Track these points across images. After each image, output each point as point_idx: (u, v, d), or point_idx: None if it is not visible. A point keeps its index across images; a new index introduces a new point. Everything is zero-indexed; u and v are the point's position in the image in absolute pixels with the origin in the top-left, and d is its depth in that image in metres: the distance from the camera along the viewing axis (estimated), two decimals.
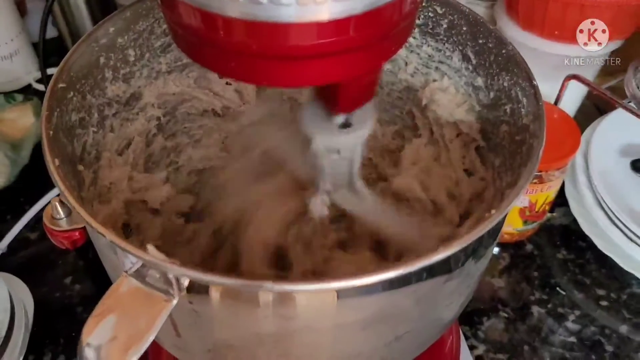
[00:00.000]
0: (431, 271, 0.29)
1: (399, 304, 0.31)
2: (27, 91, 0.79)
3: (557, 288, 0.57)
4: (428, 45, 0.45)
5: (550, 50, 0.59)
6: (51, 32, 0.80)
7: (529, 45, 0.59)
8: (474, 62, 0.42)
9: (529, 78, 0.36)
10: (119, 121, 0.43)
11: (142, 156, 0.46)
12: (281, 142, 0.45)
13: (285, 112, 0.53)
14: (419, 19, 0.44)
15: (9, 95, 0.71)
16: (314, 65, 0.26)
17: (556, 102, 0.57)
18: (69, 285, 0.57)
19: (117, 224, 0.41)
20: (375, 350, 0.34)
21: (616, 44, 0.59)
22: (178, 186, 0.51)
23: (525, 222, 0.57)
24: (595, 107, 0.73)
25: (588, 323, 0.55)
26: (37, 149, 0.67)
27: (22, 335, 0.50)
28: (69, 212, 0.45)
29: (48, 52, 0.63)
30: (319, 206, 0.40)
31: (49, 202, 0.51)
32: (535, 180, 0.53)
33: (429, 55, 0.45)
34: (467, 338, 0.53)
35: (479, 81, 0.42)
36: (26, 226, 0.61)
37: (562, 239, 0.62)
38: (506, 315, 0.55)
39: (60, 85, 0.35)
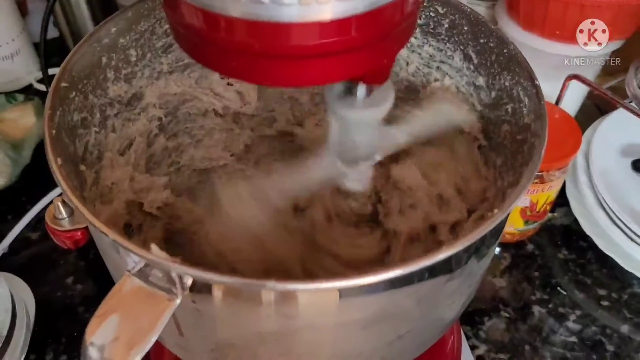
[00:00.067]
0: (433, 271, 0.29)
1: (401, 303, 0.31)
2: (28, 91, 0.79)
3: (558, 288, 0.57)
4: (429, 45, 0.45)
5: (550, 50, 0.59)
6: (52, 33, 0.80)
7: (530, 45, 0.59)
8: (475, 61, 0.42)
9: (531, 77, 0.36)
10: (121, 121, 0.43)
11: (143, 156, 0.46)
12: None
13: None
14: (420, 19, 0.44)
15: (10, 95, 0.71)
16: (315, 65, 0.26)
17: (557, 102, 0.57)
18: (70, 285, 0.57)
19: (119, 224, 0.41)
20: (377, 350, 0.34)
21: (617, 44, 0.59)
22: (180, 187, 0.51)
23: (526, 222, 0.58)
24: (596, 107, 0.73)
25: (589, 323, 0.55)
26: (38, 149, 0.67)
27: (24, 335, 0.50)
28: (71, 212, 0.45)
29: (49, 52, 0.63)
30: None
31: (51, 202, 0.51)
32: (536, 180, 0.53)
33: (430, 55, 0.45)
34: (468, 338, 0.53)
35: (481, 81, 0.42)
36: (27, 226, 0.61)
37: (563, 238, 0.62)
38: (507, 315, 0.55)
39: (63, 85, 0.35)
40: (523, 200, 0.55)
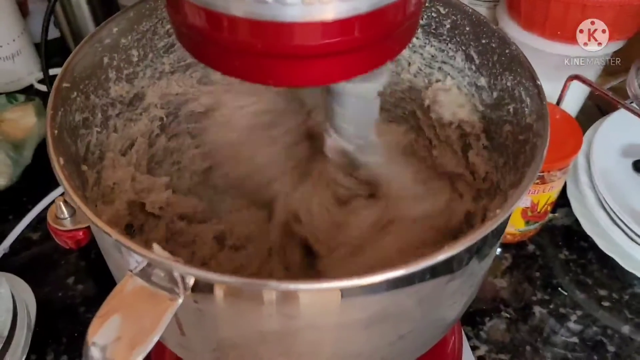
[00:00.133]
0: (435, 271, 0.29)
1: (403, 303, 0.31)
2: (29, 92, 0.79)
3: (559, 288, 0.57)
4: (431, 46, 0.45)
5: (551, 51, 0.59)
6: (53, 33, 0.80)
7: (530, 45, 0.59)
8: (477, 62, 0.42)
9: (533, 78, 0.36)
10: (123, 121, 0.43)
11: (145, 157, 0.46)
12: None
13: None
14: (422, 19, 0.44)
15: (10, 95, 0.71)
16: (318, 65, 0.26)
17: (558, 103, 0.57)
18: (71, 285, 0.57)
19: (120, 225, 0.41)
20: (378, 350, 0.34)
21: (618, 45, 0.59)
22: (181, 187, 0.51)
23: (527, 223, 0.58)
24: (597, 108, 0.73)
25: (590, 323, 0.55)
26: (39, 149, 0.67)
27: (25, 335, 0.50)
28: (73, 212, 0.45)
29: (50, 52, 0.63)
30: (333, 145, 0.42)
31: (52, 202, 0.51)
32: (537, 181, 0.53)
33: (432, 56, 0.45)
34: (469, 338, 0.53)
35: (482, 81, 0.42)
36: (28, 226, 0.62)
37: (564, 239, 0.62)
38: (508, 315, 0.55)
39: (65, 85, 0.35)
40: (524, 201, 0.55)
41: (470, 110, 0.44)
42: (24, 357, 0.50)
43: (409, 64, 0.47)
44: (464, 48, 0.43)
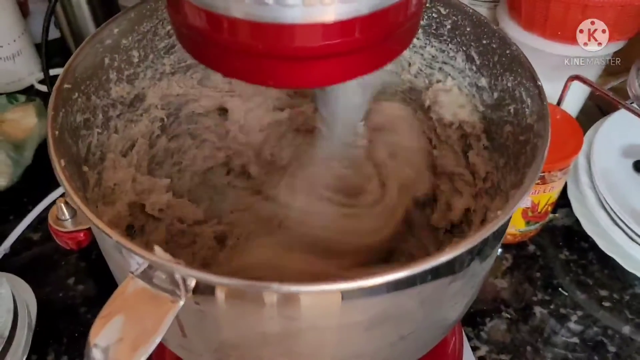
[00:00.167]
0: (436, 272, 0.29)
1: (404, 304, 0.31)
2: (30, 92, 0.79)
3: (560, 289, 0.57)
4: (432, 46, 0.45)
5: (552, 51, 0.59)
6: (53, 33, 0.80)
7: (531, 45, 0.59)
8: (477, 62, 0.42)
9: (533, 78, 0.36)
10: (123, 122, 0.43)
11: (145, 158, 0.46)
12: None
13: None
14: (423, 20, 0.44)
15: (11, 96, 0.71)
16: (318, 67, 0.26)
17: (559, 103, 0.57)
18: (72, 286, 0.57)
19: (121, 226, 0.41)
20: (379, 351, 0.34)
21: (618, 45, 0.59)
22: (181, 188, 0.51)
23: (527, 223, 0.58)
24: (597, 108, 0.73)
25: (590, 324, 0.55)
26: (40, 149, 0.67)
27: (25, 336, 0.50)
28: (73, 213, 0.45)
29: (50, 53, 0.63)
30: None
31: (52, 202, 0.51)
32: (538, 181, 0.53)
33: (433, 56, 0.45)
34: (469, 339, 0.53)
35: (483, 81, 0.42)
36: (29, 227, 0.62)
37: (564, 239, 0.62)
38: (509, 316, 0.55)
39: (66, 86, 0.35)
40: (524, 202, 0.55)
41: (470, 110, 0.44)
42: (25, 357, 0.50)
43: (410, 65, 0.47)
44: (464, 48, 0.43)
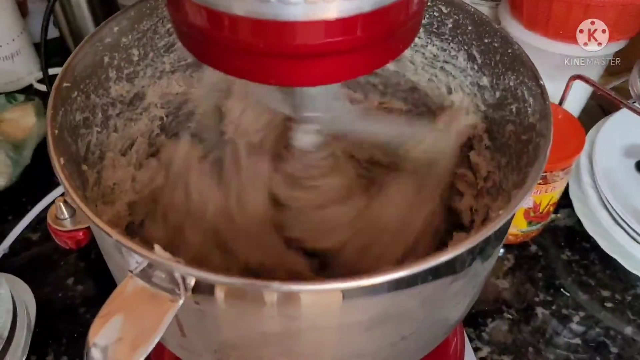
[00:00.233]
0: (437, 272, 0.29)
1: (405, 304, 0.31)
2: (29, 91, 0.79)
3: (562, 289, 0.57)
4: (433, 45, 0.45)
5: (554, 50, 0.59)
6: (52, 33, 0.80)
7: (533, 45, 0.59)
8: (479, 61, 0.42)
9: (535, 77, 0.36)
10: (123, 121, 0.43)
11: (144, 157, 0.46)
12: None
13: None
14: (424, 19, 0.44)
15: (10, 95, 0.71)
16: (320, 65, 0.26)
17: (560, 103, 0.57)
18: (71, 286, 0.57)
19: (121, 225, 0.41)
20: (380, 351, 0.34)
21: (619, 45, 0.59)
22: None
23: (529, 223, 0.57)
24: (599, 108, 0.73)
25: (592, 324, 0.54)
26: (39, 149, 0.67)
27: (25, 336, 0.50)
28: (73, 212, 0.45)
29: (49, 52, 0.63)
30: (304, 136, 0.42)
31: (52, 202, 0.51)
32: (539, 181, 0.53)
33: (434, 55, 0.45)
34: (471, 340, 0.53)
35: (485, 81, 0.41)
36: (28, 227, 0.61)
37: (566, 240, 0.62)
38: (510, 316, 0.55)
39: (65, 84, 0.35)
40: (527, 201, 0.55)
41: (472, 110, 0.43)
42: (24, 357, 0.50)
43: (411, 63, 0.47)
44: (466, 47, 0.42)
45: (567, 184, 0.61)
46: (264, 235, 0.46)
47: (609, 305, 0.56)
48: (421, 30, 0.44)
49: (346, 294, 0.27)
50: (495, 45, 0.40)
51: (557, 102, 0.56)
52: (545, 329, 0.54)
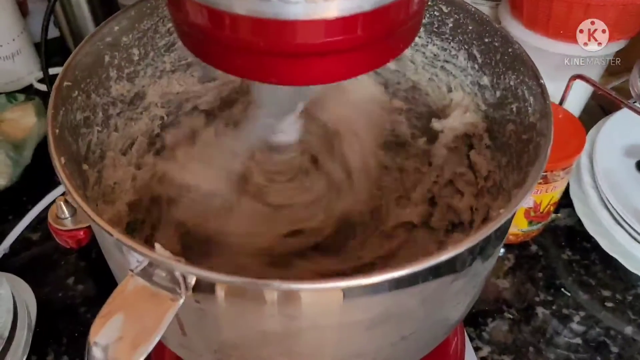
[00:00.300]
0: (438, 271, 0.29)
1: (405, 303, 0.31)
2: (29, 91, 0.79)
3: (562, 289, 0.57)
4: (433, 44, 0.45)
5: (554, 50, 0.59)
6: (53, 32, 0.80)
7: (533, 44, 0.59)
8: (479, 61, 0.42)
9: (536, 77, 0.36)
10: (123, 120, 0.43)
11: (145, 156, 0.46)
12: None
13: None
14: (425, 18, 0.44)
15: (10, 95, 0.71)
16: (320, 64, 0.26)
17: (561, 102, 0.57)
18: (71, 286, 0.57)
19: (121, 224, 0.41)
20: (380, 351, 0.34)
21: (619, 44, 0.59)
22: None
23: (530, 223, 0.57)
24: (600, 107, 0.73)
25: (593, 324, 0.54)
26: (39, 149, 0.67)
27: (25, 336, 0.50)
28: (73, 212, 0.45)
29: (50, 52, 0.63)
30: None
31: (52, 202, 0.51)
32: (540, 181, 0.53)
33: (435, 54, 0.45)
34: (471, 339, 0.53)
35: (485, 80, 0.41)
36: (28, 226, 0.61)
37: (566, 239, 0.61)
38: (511, 316, 0.55)
39: (66, 84, 0.35)
40: (527, 201, 0.55)
41: (473, 109, 0.43)
42: (25, 357, 0.50)
43: (411, 63, 0.47)
44: (466, 47, 0.42)
45: (568, 184, 0.61)
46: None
47: (609, 305, 0.56)
48: (422, 29, 0.44)
49: (347, 292, 0.27)
50: (496, 44, 0.40)
51: (557, 102, 0.56)
52: (545, 329, 0.54)
